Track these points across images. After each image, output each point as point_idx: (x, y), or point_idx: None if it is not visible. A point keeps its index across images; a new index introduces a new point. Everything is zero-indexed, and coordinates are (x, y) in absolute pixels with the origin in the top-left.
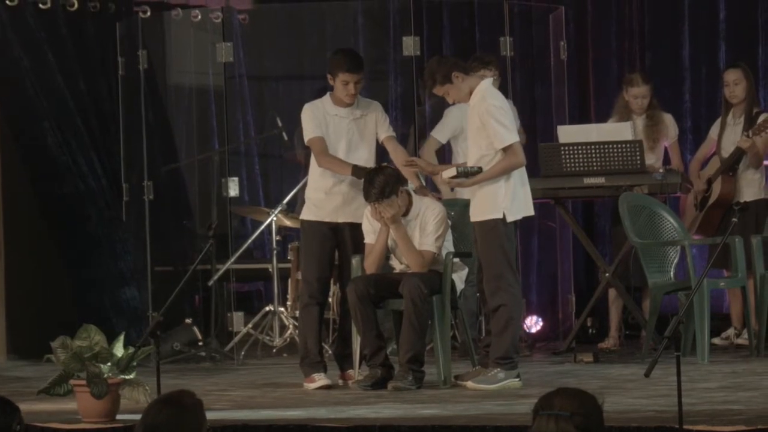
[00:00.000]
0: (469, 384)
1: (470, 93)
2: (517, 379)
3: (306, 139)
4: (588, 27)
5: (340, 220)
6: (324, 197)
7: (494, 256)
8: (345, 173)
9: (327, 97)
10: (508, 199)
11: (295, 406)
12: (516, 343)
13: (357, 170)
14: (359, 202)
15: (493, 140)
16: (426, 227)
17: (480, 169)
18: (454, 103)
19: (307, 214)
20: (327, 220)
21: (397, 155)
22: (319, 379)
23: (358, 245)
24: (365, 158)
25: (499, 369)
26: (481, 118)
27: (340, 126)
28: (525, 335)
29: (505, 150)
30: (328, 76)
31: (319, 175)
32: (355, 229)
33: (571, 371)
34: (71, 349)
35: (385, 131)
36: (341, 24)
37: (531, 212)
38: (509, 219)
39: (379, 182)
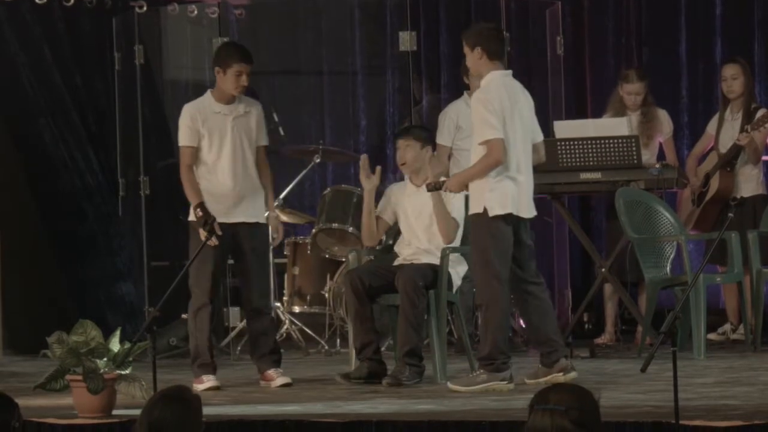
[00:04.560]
0: (449, 384)
1: (478, 76)
2: (503, 382)
3: (179, 143)
4: (585, 22)
5: (234, 221)
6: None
7: (474, 251)
8: (191, 201)
9: (208, 95)
10: (489, 193)
11: (291, 401)
12: (501, 345)
13: (197, 208)
14: (251, 200)
15: (475, 134)
16: (451, 200)
17: (442, 182)
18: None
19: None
20: (220, 221)
21: (261, 168)
22: (208, 381)
23: (257, 246)
24: (250, 158)
25: (482, 370)
26: (474, 109)
27: (225, 125)
28: (521, 330)
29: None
30: (216, 69)
31: (208, 176)
32: (252, 228)
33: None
34: (67, 344)
35: (262, 139)
36: (337, 19)
37: (524, 212)
38: (491, 214)
39: (412, 125)
